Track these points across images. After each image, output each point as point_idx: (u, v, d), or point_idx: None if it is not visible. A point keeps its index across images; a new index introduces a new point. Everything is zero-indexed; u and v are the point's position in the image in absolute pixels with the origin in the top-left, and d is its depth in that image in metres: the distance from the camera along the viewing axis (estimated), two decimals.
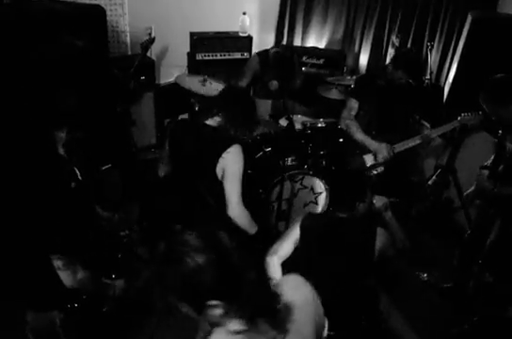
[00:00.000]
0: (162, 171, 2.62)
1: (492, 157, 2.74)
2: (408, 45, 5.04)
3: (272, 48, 4.28)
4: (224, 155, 2.20)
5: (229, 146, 2.21)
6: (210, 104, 2.42)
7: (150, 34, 4.24)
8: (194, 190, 2.40)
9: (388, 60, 5.21)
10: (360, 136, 3.42)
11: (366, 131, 3.41)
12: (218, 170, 2.24)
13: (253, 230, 2.41)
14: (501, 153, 2.67)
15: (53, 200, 1.73)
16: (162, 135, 4.60)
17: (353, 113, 3.49)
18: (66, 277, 1.79)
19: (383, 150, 3.34)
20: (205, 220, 2.43)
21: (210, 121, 2.31)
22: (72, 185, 1.84)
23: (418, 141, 3.40)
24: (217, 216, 2.36)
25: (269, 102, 4.36)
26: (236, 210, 2.29)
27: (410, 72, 3.27)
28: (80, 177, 1.89)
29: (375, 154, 3.41)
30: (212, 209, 2.39)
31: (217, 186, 2.28)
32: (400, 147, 3.41)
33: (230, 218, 2.31)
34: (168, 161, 2.55)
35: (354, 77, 4.16)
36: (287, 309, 1.27)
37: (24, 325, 2.02)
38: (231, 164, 2.23)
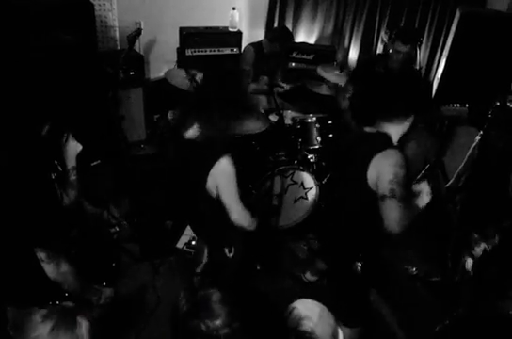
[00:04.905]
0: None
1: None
2: None
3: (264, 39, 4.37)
4: (213, 172, 2.08)
5: (215, 161, 2.07)
6: (182, 112, 2.26)
7: (139, 29, 4.21)
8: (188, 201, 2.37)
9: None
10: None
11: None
12: (210, 187, 2.14)
13: (253, 226, 2.34)
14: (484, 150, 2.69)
15: (33, 191, 1.71)
16: (152, 130, 4.59)
17: (347, 95, 3.55)
18: (50, 269, 1.78)
19: None
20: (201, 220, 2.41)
21: (189, 134, 2.16)
22: (53, 176, 1.82)
23: None
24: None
25: (261, 97, 4.36)
26: (237, 215, 2.20)
27: (407, 40, 3.32)
28: (61, 169, 1.87)
29: None
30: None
31: (211, 201, 2.19)
32: None
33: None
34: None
35: (343, 72, 4.16)
36: None
37: (5, 322, 2.00)
38: (222, 179, 2.11)
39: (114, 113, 3.88)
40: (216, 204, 2.19)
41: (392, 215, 1.99)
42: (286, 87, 4.39)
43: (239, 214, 2.21)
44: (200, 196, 2.20)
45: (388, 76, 3.34)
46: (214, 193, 2.17)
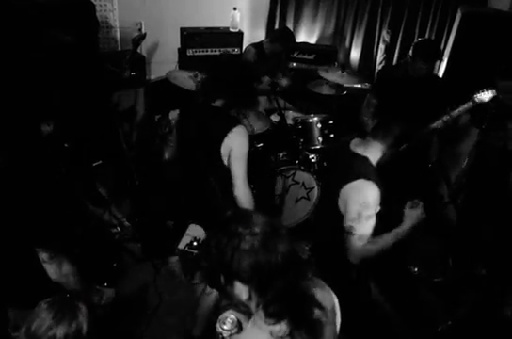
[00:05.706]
0: (167, 154, 2.61)
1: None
2: (399, 41, 5.06)
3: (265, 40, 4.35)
4: (229, 135, 2.19)
5: (234, 126, 2.20)
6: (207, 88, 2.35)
7: (140, 29, 4.22)
8: (197, 175, 2.38)
9: (379, 56, 5.24)
10: None
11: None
12: (224, 151, 2.23)
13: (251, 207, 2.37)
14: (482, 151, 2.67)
15: (36, 190, 1.72)
16: (153, 131, 4.59)
17: (371, 110, 3.46)
18: (51, 270, 1.78)
19: None
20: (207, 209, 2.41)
21: (215, 104, 2.31)
22: (56, 176, 1.83)
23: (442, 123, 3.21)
24: (220, 202, 2.33)
25: (262, 98, 4.35)
26: (242, 190, 2.28)
27: (429, 59, 3.23)
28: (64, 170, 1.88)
29: None
30: (215, 196, 2.35)
31: (222, 169, 2.27)
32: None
33: (232, 204, 2.29)
34: (174, 144, 2.55)
35: (344, 73, 4.14)
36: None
37: (6, 323, 1.99)
38: (236, 143, 2.22)
39: (115, 114, 3.89)
40: (226, 176, 2.24)
41: (350, 248, 2.09)
42: (284, 82, 4.36)
43: (243, 189, 2.27)
44: (212, 165, 2.27)
45: (408, 84, 3.28)
46: (225, 161, 2.24)
